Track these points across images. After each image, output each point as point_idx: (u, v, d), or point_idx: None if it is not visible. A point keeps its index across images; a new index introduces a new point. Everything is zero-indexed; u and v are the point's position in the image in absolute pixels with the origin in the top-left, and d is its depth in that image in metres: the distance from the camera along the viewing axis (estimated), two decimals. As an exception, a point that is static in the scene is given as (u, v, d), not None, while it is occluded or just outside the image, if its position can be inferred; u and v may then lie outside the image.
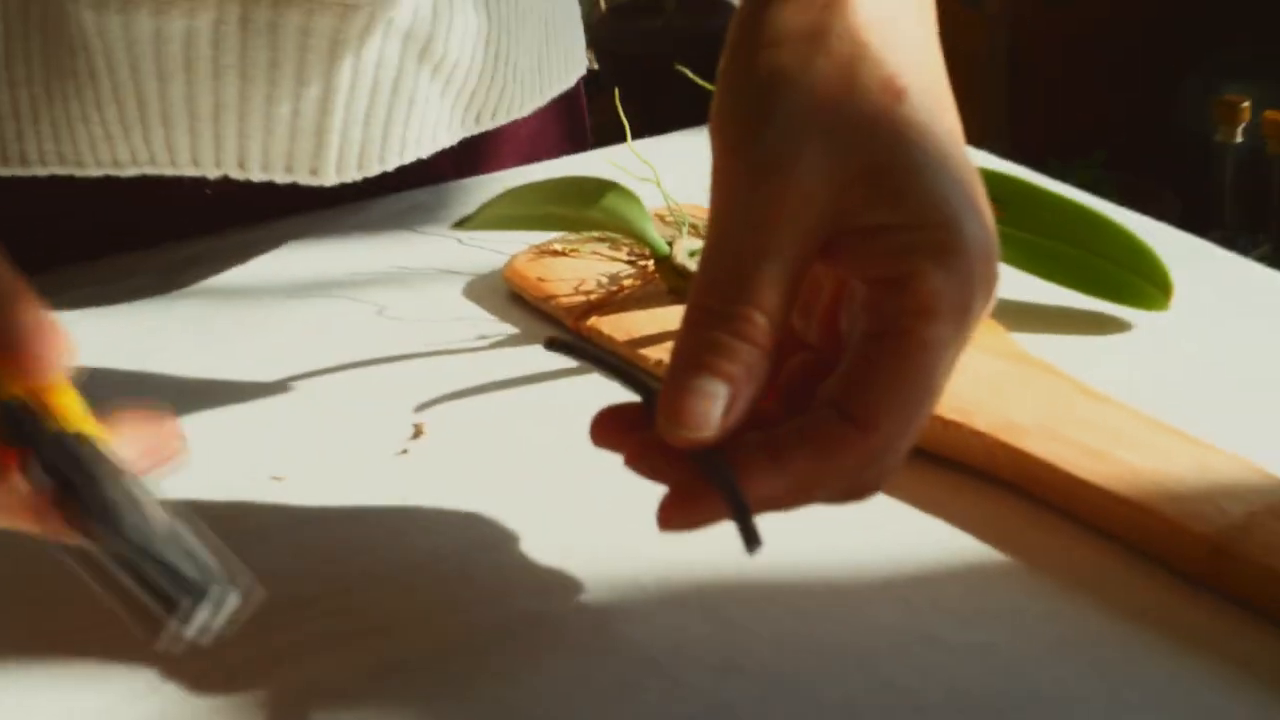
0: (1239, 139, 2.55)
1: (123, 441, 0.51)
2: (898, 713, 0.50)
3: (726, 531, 0.59)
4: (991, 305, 0.51)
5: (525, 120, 0.90)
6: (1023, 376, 0.64)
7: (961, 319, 0.49)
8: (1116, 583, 0.56)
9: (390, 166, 0.81)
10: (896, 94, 0.48)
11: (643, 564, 0.57)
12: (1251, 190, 2.55)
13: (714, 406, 0.48)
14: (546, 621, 0.55)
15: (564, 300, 0.73)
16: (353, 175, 0.80)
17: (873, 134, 0.48)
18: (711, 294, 0.48)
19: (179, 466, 0.52)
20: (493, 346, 0.72)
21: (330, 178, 0.80)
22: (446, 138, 0.83)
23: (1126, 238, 0.71)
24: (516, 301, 0.75)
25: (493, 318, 0.74)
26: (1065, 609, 0.55)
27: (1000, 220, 0.72)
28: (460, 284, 0.77)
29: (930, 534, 0.59)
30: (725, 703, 0.51)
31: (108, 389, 0.67)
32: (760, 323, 0.48)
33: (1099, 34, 2.75)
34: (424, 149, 0.82)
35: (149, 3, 0.73)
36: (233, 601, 0.48)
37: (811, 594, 0.56)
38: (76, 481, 0.49)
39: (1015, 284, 0.74)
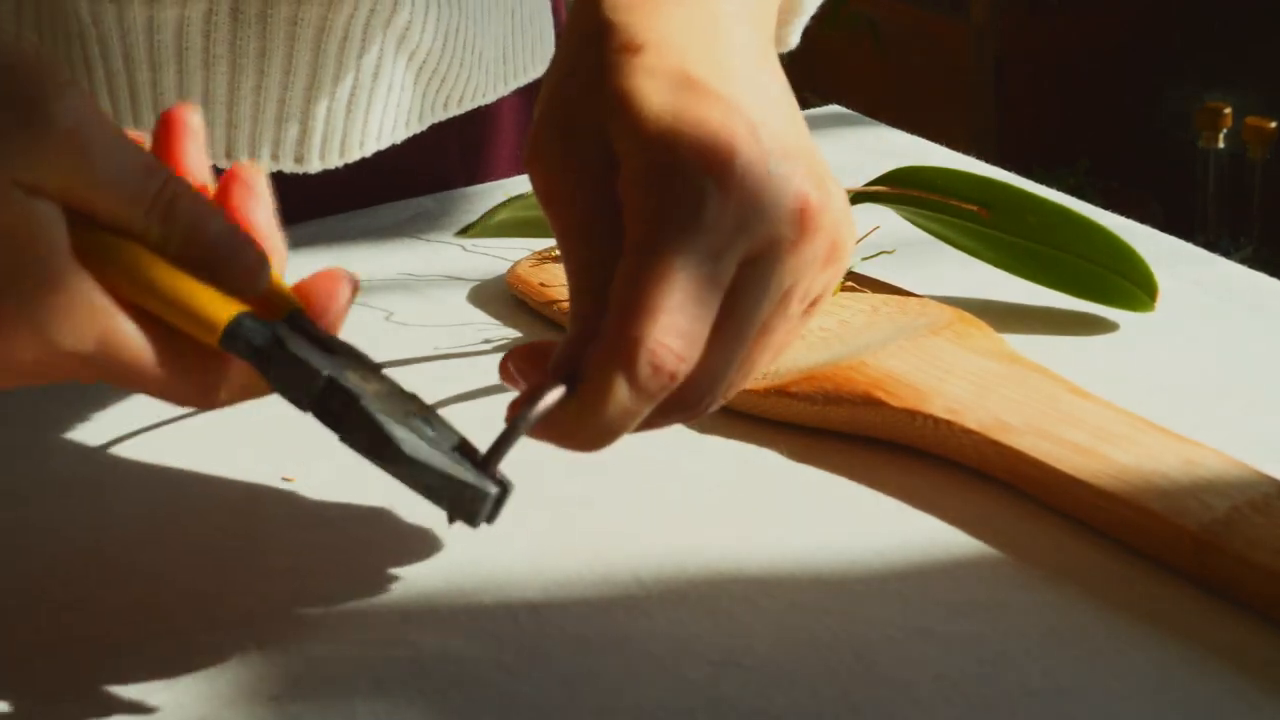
0: (1221, 145, 2.56)
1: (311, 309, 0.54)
2: (892, 704, 0.51)
3: (726, 529, 0.60)
4: (733, 227, 0.52)
5: (527, 126, 0.92)
6: (1012, 376, 0.65)
7: (667, 237, 0.51)
8: (1103, 576, 0.57)
9: (368, 152, 0.82)
10: (636, 49, 0.54)
11: (642, 560, 0.58)
12: (1233, 195, 2.57)
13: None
14: (549, 617, 0.55)
15: (565, 305, 0.73)
16: (335, 161, 0.81)
17: (609, 79, 0.54)
18: None
19: (352, 300, 0.55)
20: (496, 350, 0.72)
21: (314, 164, 0.81)
22: (417, 124, 0.84)
23: (1111, 240, 0.72)
24: (520, 306, 0.76)
25: (496, 322, 0.75)
26: (1054, 602, 0.56)
27: (987, 224, 0.74)
28: (465, 290, 0.78)
29: (923, 530, 0.59)
30: (724, 696, 0.52)
31: (124, 391, 0.68)
32: (571, 268, 0.54)
33: (1083, 43, 2.76)
34: (397, 134, 0.83)
35: None
36: (487, 497, 0.51)
37: (808, 589, 0.56)
38: (348, 417, 0.51)
39: (1003, 286, 0.74)
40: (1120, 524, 0.58)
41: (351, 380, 0.52)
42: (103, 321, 0.51)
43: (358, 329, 0.74)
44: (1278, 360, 0.70)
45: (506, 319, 0.75)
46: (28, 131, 0.50)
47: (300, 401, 0.52)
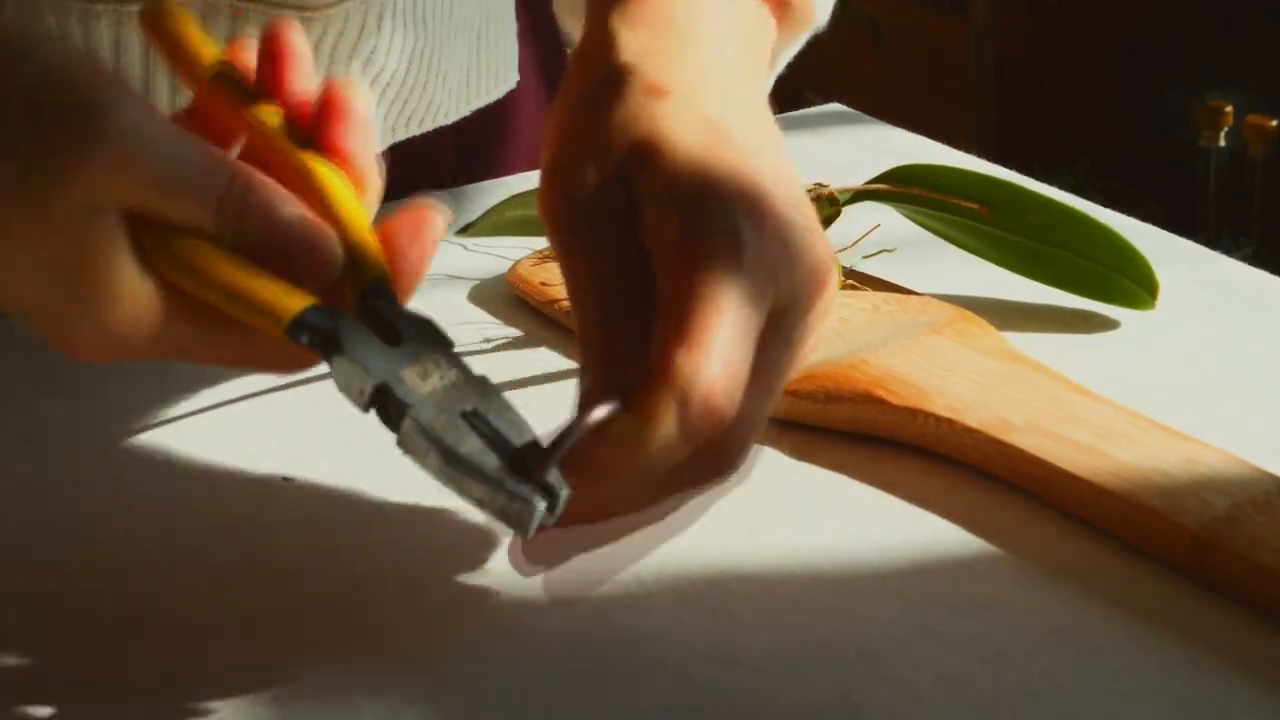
0: (1222, 144, 2.56)
1: (395, 255, 0.54)
2: (894, 703, 0.51)
3: (727, 528, 0.60)
4: (758, 265, 0.52)
5: (533, 126, 0.92)
6: (1013, 374, 0.65)
7: (712, 276, 0.51)
8: (1104, 574, 0.57)
9: None
10: (662, 92, 0.55)
11: (644, 559, 0.58)
12: (1234, 194, 2.57)
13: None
14: (550, 615, 0.55)
15: (566, 304, 0.73)
16: None
17: (636, 120, 0.54)
18: None
19: (439, 238, 0.55)
20: (497, 349, 0.72)
21: None
22: (378, 144, 0.84)
23: (1112, 239, 0.72)
24: (520, 305, 0.75)
25: (497, 322, 0.74)
26: (1055, 600, 0.56)
27: (988, 222, 0.74)
28: (465, 289, 0.77)
29: (925, 528, 0.59)
30: (726, 694, 0.52)
31: (124, 391, 0.68)
32: (587, 312, 0.54)
33: (1083, 42, 2.76)
34: None
35: (108, 14, 0.73)
36: (535, 510, 0.50)
37: (810, 588, 0.56)
38: (396, 411, 0.51)
39: (1004, 284, 0.74)
40: (1121, 522, 0.58)
41: (408, 381, 0.51)
42: (170, 327, 0.51)
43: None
44: (1278, 358, 0.70)
45: (507, 318, 0.75)
46: (87, 149, 0.49)
47: (356, 402, 0.51)
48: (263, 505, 0.62)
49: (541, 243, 0.78)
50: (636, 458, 0.50)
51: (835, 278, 0.54)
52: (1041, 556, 0.58)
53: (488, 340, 0.73)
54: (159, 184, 0.50)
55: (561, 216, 0.54)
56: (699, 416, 0.50)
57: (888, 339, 0.68)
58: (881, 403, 0.64)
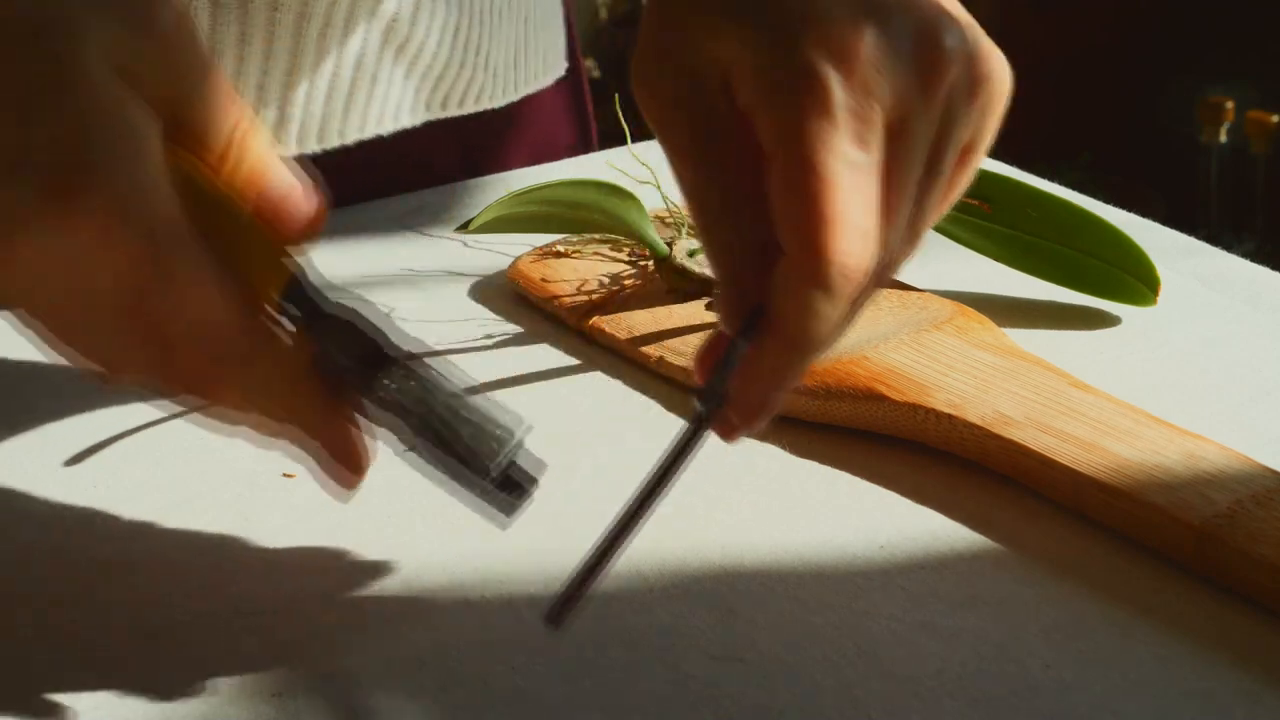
0: (1223, 139, 2.56)
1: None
2: (895, 699, 0.51)
3: (728, 524, 0.60)
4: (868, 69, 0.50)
5: (532, 123, 0.92)
6: (1014, 370, 0.65)
7: (810, 141, 0.49)
8: (1105, 570, 0.57)
9: (349, 141, 0.82)
10: None
11: (644, 554, 0.58)
12: (1235, 190, 2.57)
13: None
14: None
15: (567, 300, 0.74)
16: (312, 148, 0.81)
17: None
18: None
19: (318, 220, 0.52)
20: (498, 345, 0.72)
21: (290, 149, 0.80)
22: (409, 118, 0.84)
23: (1114, 235, 0.72)
24: (521, 302, 0.76)
25: (498, 318, 0.75)
26: (1056, 596, 0.56)
27: (989, 218, 0.74)
28: (466, 285, 0.78)
29: (925, 524, 0.59)
30: (726, 691, 0.52)
31: (124, 388, 0.68)
32: (685, 190, 0.52)
33: (1084, 38, 2.76)
34: (385, 127, 0.83)
35: None
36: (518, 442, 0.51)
37: (810, 584, 0.56)
38: (355, 367, 0.52)
39: (1005, 280, 0.75)
40: (1122, 518, 0.58)
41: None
42: (177, 225, 0.49)
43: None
44: (1279, 354, 0.70)
45: (508, 314, 0.75)
46: (134, 22, 0.49)
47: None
48: (263, 502, 0.62)
49: (542, 239, 0.78)
50: (803, 355, 0.50)
51: (965, 52, 0.51)
52: (1042, 552, 0.58)
53: (489, 336, 0.73)
54: (191, 85, 0.50)
55: (649, 101, 0.52)
56: (843, 288, 0.48)
57: (888, 335, 0.68)
58: (882, 398, 0.64)
